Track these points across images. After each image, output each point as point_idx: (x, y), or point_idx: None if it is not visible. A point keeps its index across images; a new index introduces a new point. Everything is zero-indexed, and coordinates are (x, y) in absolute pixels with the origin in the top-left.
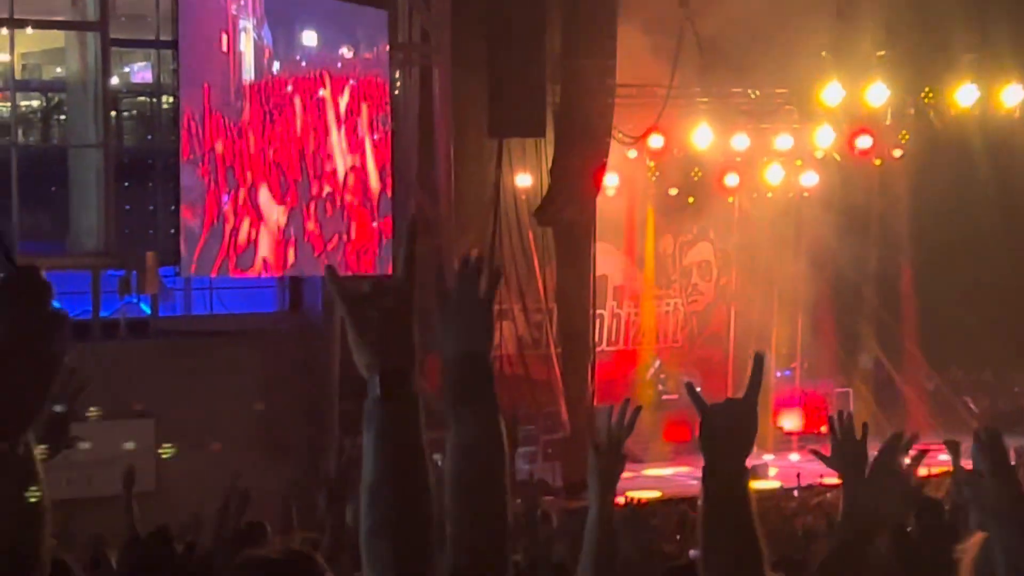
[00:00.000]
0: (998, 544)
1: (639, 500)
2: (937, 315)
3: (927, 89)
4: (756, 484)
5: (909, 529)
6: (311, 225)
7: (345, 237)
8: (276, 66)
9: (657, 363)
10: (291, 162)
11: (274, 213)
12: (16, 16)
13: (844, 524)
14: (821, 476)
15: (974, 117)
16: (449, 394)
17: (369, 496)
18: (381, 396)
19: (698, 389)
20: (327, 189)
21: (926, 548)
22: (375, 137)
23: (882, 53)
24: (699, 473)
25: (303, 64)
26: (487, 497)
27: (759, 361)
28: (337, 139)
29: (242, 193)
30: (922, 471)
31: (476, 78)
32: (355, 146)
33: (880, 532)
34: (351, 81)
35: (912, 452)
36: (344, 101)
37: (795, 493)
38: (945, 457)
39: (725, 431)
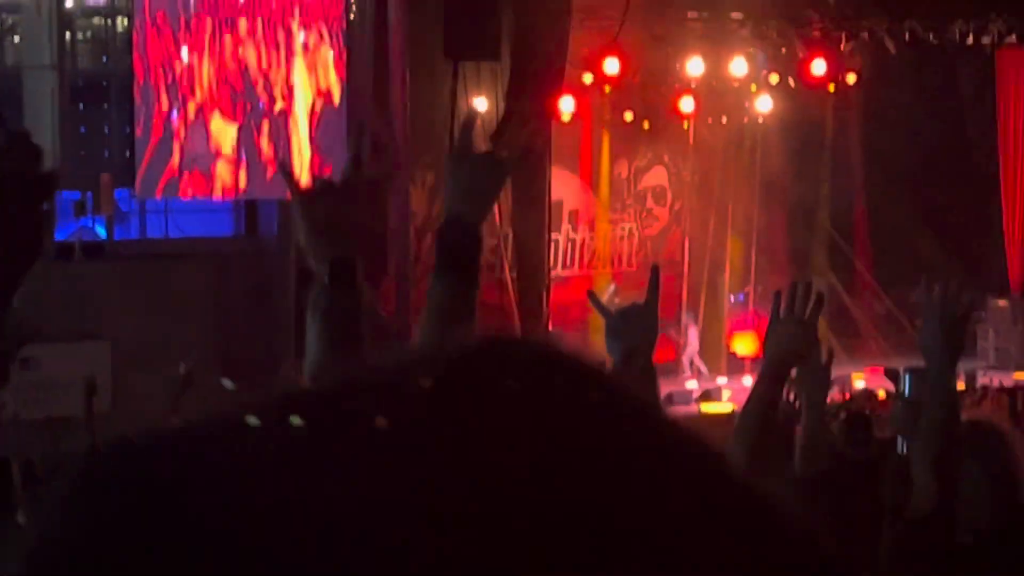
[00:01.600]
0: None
1: None
2: (890, 238)
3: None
4: (710, 407)
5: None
6: (264, 144)
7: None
8: None
9: (613, 287)
10: (241, 78)
11: (226, 135)
12: None
13: (763, 365)
14: None
15: (928, 43)
16: (436, 258)
17: (314, 376)
18: (328, 283)
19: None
20: (279, 106)
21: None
22: (332, 54)
23: None
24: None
25: None
26: None
27: (655, 272)
28: (289, 55)
29: (191, 109)
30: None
31: None
32: (310, 61)
33: (789, 367)
34: None
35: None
36: (298, 15)
37: None
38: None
39: (627, 333)
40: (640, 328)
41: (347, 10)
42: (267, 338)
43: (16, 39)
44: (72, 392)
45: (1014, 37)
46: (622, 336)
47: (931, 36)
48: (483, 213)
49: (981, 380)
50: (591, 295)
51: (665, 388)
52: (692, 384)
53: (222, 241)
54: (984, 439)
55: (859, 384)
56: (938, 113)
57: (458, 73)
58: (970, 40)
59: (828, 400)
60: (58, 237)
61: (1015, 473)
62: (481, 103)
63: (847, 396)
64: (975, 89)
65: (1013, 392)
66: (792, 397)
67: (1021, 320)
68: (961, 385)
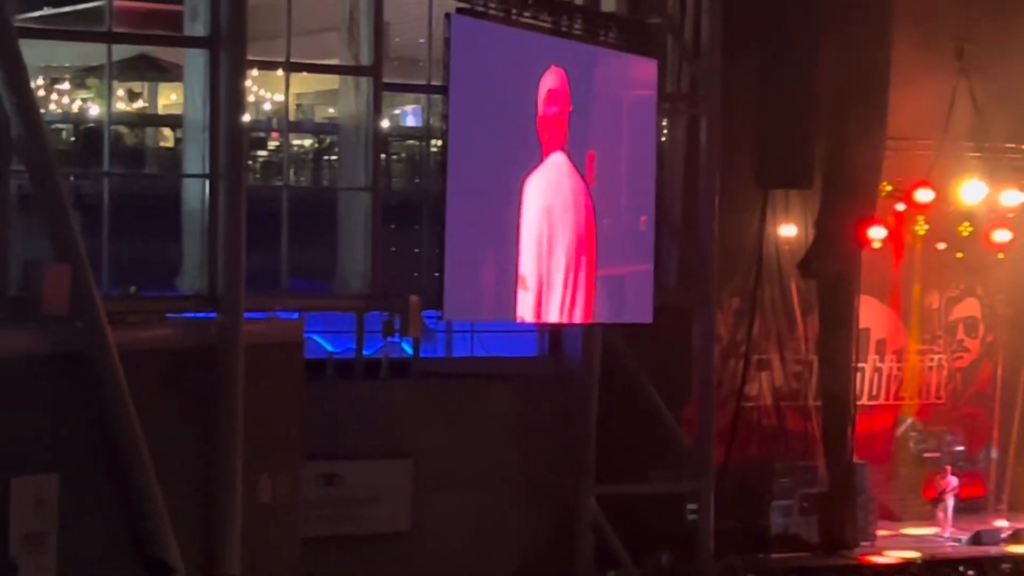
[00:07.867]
0: None
1: None
2: None
3: None
4: (1018, 548)
5: None
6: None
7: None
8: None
9: (909, 420)
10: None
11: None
12: (293, 59)
13: None
14: None
15: None
16: None
17: None
18: None
19: (960, 448)
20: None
21: None
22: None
23: None
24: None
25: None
26: None
27: None
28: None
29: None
30: None
31: (743, 128)
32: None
33: None
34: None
35: None
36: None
37: None
38: None
39: None
40: None
41: (659, 131)
42: (568, 460)
43: (332, 158)
44: (378, 509)
45: None
46: None
47: None
48: None
49: None
50: None
51: (974, 526)
52: (1001, 523)
53: (525, 362)
54: None
55: None
56: None
57: (768, 200)
58: None
59: None
60: (366, 353)
61: None
62: (789, 229)
63: None
64: None
65: None
66: None
67: None
68: None
